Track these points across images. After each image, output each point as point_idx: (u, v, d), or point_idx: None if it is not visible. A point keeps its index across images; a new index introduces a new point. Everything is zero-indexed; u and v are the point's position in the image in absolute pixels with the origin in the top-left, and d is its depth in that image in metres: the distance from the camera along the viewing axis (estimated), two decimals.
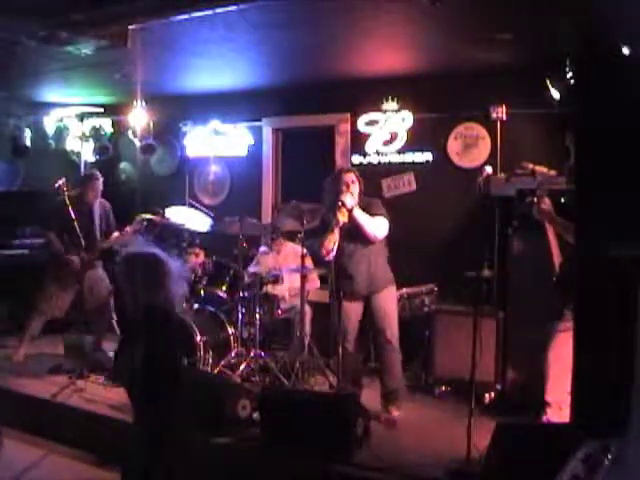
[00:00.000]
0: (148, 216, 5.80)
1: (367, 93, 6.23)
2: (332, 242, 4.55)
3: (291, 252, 5.98)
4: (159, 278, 2.95)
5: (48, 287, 5.78)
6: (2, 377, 5.41)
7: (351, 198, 4.49)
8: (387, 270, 4.70)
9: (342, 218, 4.47)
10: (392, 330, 4.58)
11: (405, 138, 6.16)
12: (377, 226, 4.54)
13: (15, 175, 7.66)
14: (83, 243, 5.56)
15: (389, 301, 4.64)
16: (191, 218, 6.10)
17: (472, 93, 5.77)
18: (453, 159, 6.03)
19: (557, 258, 4.26)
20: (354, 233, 4.54)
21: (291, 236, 5.97)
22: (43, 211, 5.94)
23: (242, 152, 7.01)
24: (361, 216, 4.48)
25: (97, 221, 5.83)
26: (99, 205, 5.91)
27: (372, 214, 4.54)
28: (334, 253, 4.59)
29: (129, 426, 3.23)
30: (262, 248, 6.29)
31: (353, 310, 4.67)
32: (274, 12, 4.27)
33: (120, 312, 7.03)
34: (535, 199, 4.24)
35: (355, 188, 4.61)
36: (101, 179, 5.85)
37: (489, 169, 4.24)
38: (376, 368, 4.91)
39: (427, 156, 6.13)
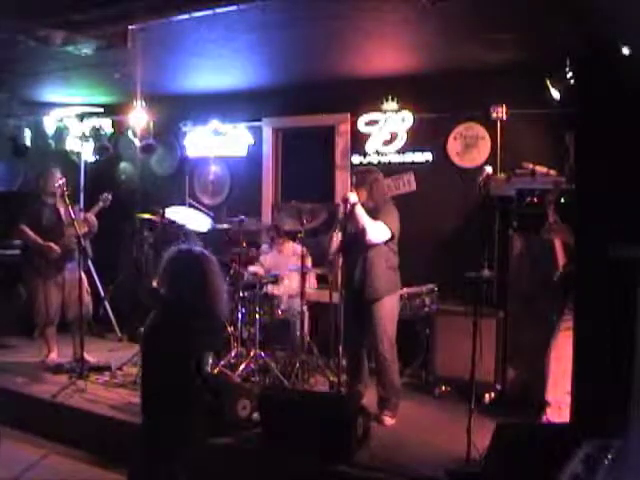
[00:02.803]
0: (148, 216, 5.81)
1: (367, 93, 6.23)
2: (337, 242, 4.59)
3: (292, 251, 5.99)
4: (200, 276, 2.96)
5: (35, 292, 5.80)
6: (2, 377, 5.41)
7: (355, 195, 4.49)
8: (390, 279, 4.61)
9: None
10: (387, 340, 4.54)
11: (405, 138, 6.16)
12: (374, 230, 4.48)
13: (15, 175, 7.66)
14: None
15: (388, 310, 4.57)
16: (191, 218, 6.09)
17: (472, 93, 5.77)
18: (453, 159, 6.03)
19: (561, 259, 4.27)
20: (358, 237, 4.52)
21: (292, 236, 5.97)
22: (32, 211, 5.92)
23: (242, 152, 7.01)
24: (361, 214, 4.46)
25: (63, 214, 5.79)
26: (62, 202, 5.88)
27: (378, 218, 4.51)
28: (339, 254, 4.61)
29: (136, 426, 3.21)
30: (264, 246, 6.29)
31: (350, 312, 4.68)
32: (274, 12, 4.27)
33: (120, 312, 7.08)
34: (547, 224, 4.27)
35: (363, 188, 4.60)
36: (57, 172, 5.87)
37: (489, 169, 4.25)
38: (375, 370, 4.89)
39: (427, 156, 6.13)
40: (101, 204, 5.97)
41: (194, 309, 2.91)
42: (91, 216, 5.91)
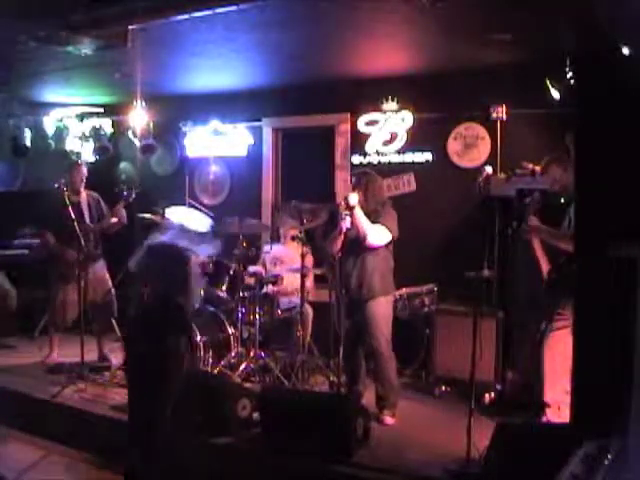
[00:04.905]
0: (148, 215, 5.81)
1: (367, 93, 6.23)
2: (340, 244, 4.61)
3: (295, 249, 5.99)
4: (183, 273, 2.96)
5: (55, 292, 5.83)
6: (2, 377, 5.41)
7: (355, 197, 4.50)
8: (386, 279, 4.64)
9: (345, 223, 4.50)
10: (384, 339, 4.55)
11: (405, 138, 6.16)
12: (374, 233, 4.50)
13: (15, 175, 7.66)
14: (82, 240, 5.55)
15: (382, 310, 4.59)
16: (191, 218, 6.09)
17: (472, 93, 5.77)
18: (453, 159, 6.03)
19: (545, 265, 4.27)
20: (357, 238, 4.54)
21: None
22: (42, 211, 5.94)
23: (242, 152, 7.01)
24: (360, 216, 4.49)
25: (86, 212, 5.83)
26: (87, 196, 5.96)
27: (377, 220, 4.53)
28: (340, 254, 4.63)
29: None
30: (266, 247, 6.29)
31: (347, 312, 4.69)
32: (274, 12, 4.27)
33: (122, 313, 7.07)
34: (524, 224, 4.28)
35: (361, 191, 4.60)
36: (84, 166, 5.94)
37: (489, 169, 4.24)
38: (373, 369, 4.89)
39: (427, 156, 6.13)
40: (124, 201, 5.90)
41: (173, 304, 2.91)
42: (120, 209, 5.90)
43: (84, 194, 5.92)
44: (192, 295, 3.02)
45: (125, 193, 5.89)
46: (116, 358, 5.91)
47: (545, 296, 4.24)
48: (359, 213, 4.49)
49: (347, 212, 4.51)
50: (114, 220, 5.93)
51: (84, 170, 5.92)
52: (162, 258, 2.98)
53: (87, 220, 5.84)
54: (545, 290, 4.23)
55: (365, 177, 4.72)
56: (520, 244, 4.86)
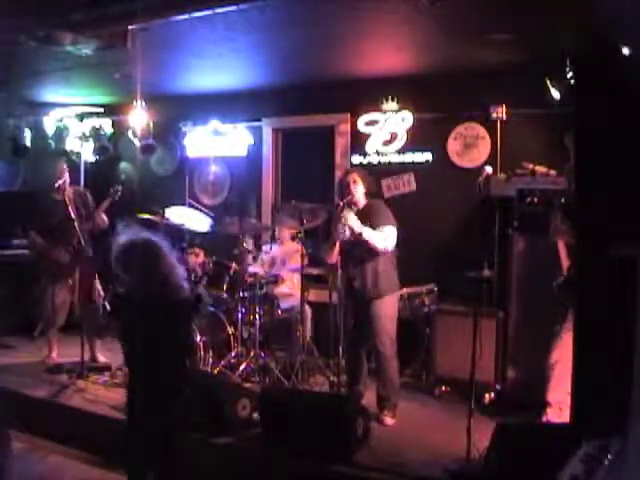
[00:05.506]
0: (147, 216, 5.80)
1: (367, 93, 6.23)
2: (335, 255, 4.59)
3: (292, 247, 6.00)
4: (156, 262, 2.92)
5: (43, 295, 5.82)
6: (2, 377, 5.41)
7: (356, 220, 4.43)
8: (391, 277, 4.62)
9: (345, 235, 4.47)
10: (388, 338, 4.53)
11: (405, 138, 6.17)
12: (387, 240, 4.47)
13: (15, 175, 7.67)
14: (82, 239, 5.53)
15: (388, 308, 4.56)
16: (191, 218, 6.09)
17: (472, 93, 5.77)
18: (453, 159, 6.03)
19: (565, 262, 4.27)
20: (362, 242, 4.48)
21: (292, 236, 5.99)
22: (38, 210, 5.92)
23: (242, 152, 7.01)
24: (371, 236, 4.41)
25: (72, 208, 5.71)
26: (74, 192, 5.90)
27: (379, 224, 4.48)
28: (338, 256, 4.61)
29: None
30: (265, 247, 6.30)
31: (350, 312, 4.67)
32: (274, 12, 4.28)
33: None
34: (553, 227, 4.26)
35: (358, 188, 4.60)
36: (64, 161, 5.90)
37: (489, 169, 4.25)
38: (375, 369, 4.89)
39: (427, 156, 6.13)
40: (110, 199, 5.87)
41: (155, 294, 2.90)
42: (100, 213, 5.87)
43: (68, 191, 5.82)
44: (172, 283, 2.97)
45: (111, 190, 5.86)
46: (105, 357, 5.89)
47: (561, 292, 4.21)
48: (367, 234, 4.40)
49: (345, 223, 4.45)
50: (97, 223, 5.87)
51: (64, 167, 5.84)
52: (130, 256, 2.93)
53: (74, 217, 5.77)
54: (563, 286, 4.19)
55: (359, 173, 4.69)
56: (528, 241, 4.86)
